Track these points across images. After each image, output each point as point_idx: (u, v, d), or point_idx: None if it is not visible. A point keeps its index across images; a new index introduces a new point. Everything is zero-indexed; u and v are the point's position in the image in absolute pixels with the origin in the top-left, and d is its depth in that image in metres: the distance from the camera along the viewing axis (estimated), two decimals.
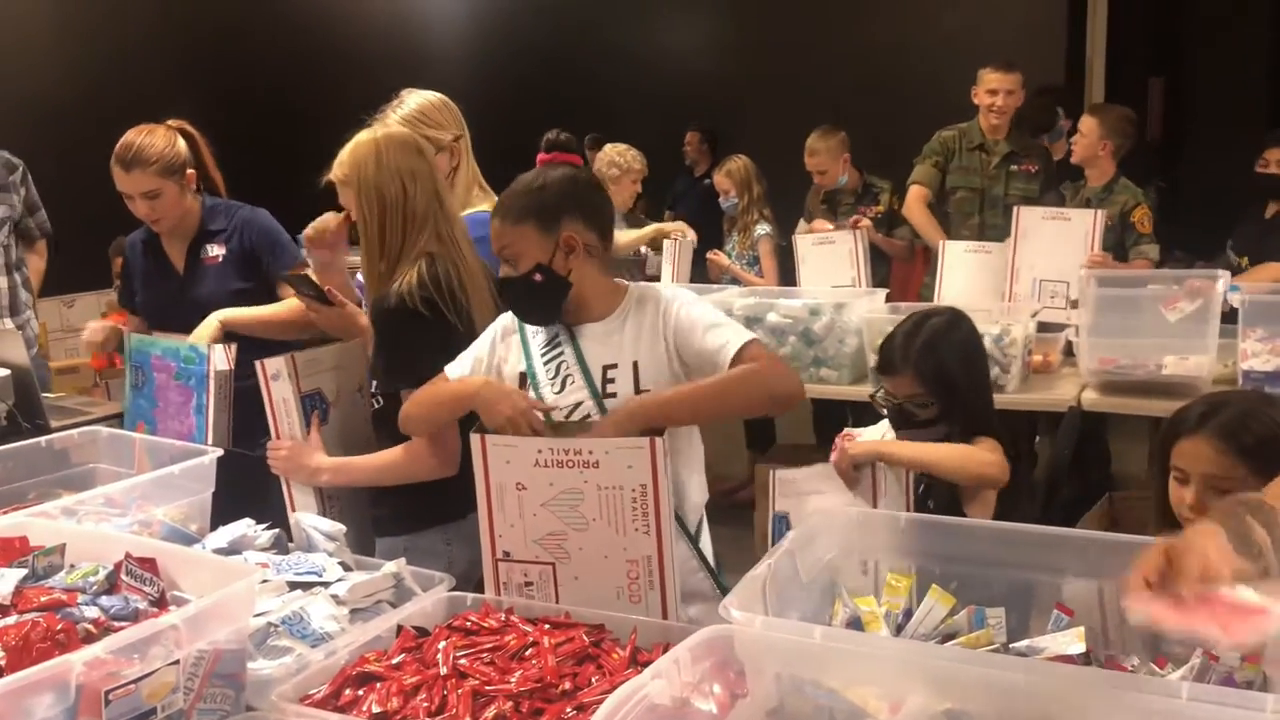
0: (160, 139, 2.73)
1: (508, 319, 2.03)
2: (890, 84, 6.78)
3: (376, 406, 2.28)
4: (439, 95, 2.70)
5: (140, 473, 2.19)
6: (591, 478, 1.71)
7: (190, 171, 2.78)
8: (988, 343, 2.96)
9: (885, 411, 2.26)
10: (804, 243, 4.54)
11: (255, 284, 2.79)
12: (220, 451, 2.16)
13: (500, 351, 2.01)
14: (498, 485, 1.78)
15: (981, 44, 5.96)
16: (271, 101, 7.08)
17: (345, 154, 2.26)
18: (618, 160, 5.03)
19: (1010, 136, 4.54)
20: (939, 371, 2.19)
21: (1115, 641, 1.60)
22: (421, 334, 2.11)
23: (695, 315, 1.90)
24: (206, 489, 2.13)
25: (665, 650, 1.55)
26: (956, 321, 2.30)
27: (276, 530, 2.00)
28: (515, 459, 1.75)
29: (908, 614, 1.59)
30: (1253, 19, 7.55)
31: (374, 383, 2.28)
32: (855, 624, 1.57)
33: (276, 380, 2.20)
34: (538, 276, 1.88)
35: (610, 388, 1.89)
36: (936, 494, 2.17)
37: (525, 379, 1.96)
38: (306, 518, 2.01)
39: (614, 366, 1.90)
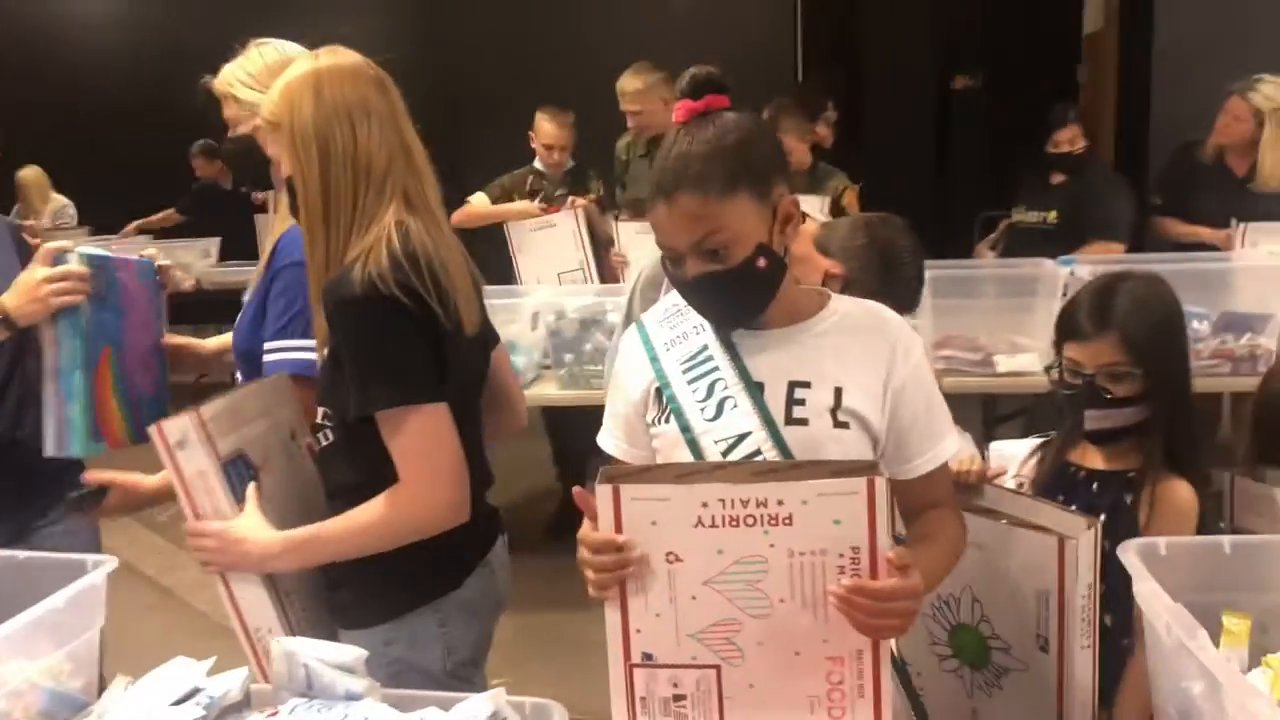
0: None
1: (627, 333, 1.49)
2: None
3: (324, 443, 1.57)
4: (294, 48, 1.98)
5: None
6: (781, 540, 1.20)
7: None
8: None
9: (1066, 392, 1.78)
10: (518, 230, 4.20)
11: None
12: (115, 562, 1.37)
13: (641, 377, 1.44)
14: (639, 558, 1.24)
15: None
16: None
17: (275, 88, 1.56)
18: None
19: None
20: (1151, 335, 1.74)
21: None
22: (405, 329, 1.48)
23: (926, 387, 1.42)
24: (95, 622, 1.35)
25: None
26: (1159, 282, 1.84)
27: (245, 672, 1.30)
28: (665, 519, 1.21)
29: None
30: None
31: (322, 411, 1.58)
32: None
33: (184, 449, 1.46)
34: (761, 261, 1.32)
35: (798, 411, 1.36)
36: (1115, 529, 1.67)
37: (658, 397, 1.40)
38: (297, 644, 1.30)
39: (806, 385, 1.37)
